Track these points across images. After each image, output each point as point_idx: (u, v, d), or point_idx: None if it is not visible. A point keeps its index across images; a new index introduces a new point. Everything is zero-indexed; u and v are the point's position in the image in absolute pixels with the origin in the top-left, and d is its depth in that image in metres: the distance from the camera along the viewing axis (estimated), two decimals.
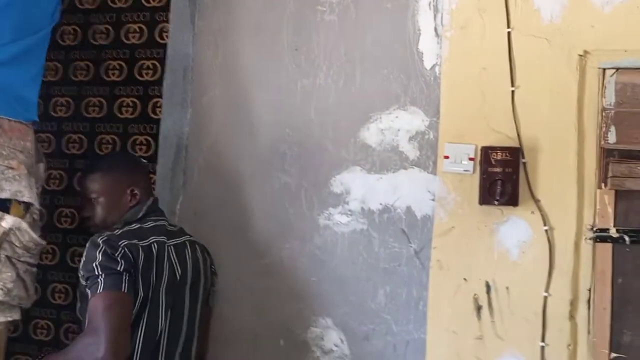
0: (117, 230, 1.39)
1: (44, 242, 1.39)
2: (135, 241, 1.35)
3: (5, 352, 1.43)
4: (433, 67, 1.54)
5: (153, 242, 1.39)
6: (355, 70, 1.60)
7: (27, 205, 1.33)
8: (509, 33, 1.45)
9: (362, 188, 1.58)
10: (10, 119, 1.34)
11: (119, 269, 1.29)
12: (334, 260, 1.58)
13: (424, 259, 1.51)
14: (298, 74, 1.65)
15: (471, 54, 1.49)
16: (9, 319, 1.31)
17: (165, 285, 1.38)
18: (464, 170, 1.47)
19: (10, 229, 1.29)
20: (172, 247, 1.43)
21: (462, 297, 1.46)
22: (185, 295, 1.43)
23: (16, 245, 1.30)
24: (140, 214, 1.47)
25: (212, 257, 1.60)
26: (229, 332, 1.64)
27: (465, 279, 1.46)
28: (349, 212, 1.58)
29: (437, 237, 1.49)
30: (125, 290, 1.29)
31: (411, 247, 1.53)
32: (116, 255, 1.30)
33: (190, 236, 1.54)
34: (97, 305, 1.25)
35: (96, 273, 1.28)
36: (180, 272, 1.42)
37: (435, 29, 1.54)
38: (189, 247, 1.49)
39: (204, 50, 1.75)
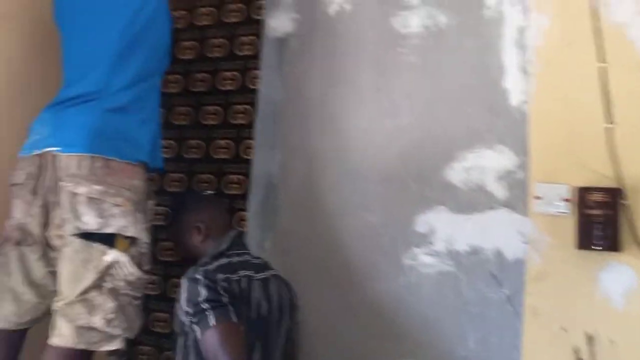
0: (208, 265, 1.43)
1: (146, 276, 1.45)
2: (228, 275, 1.39)
3: None
4: (520, 104, 1.48)
5: (242, 277, 1.42)
6: (438, 110, 1.59)
7: (133, 240, 1.42)
8: (601, 68, 1.36)
9: (447, 228, 1.54)
10: (120, 160, 1.44)
11: (224, 301, 1.32)
12: (419, 302, 1.55)
13: (516, 305, 1.43)
14: (380, 114, 1.66)
15: (560, 90, 1.41)
16: (110, 348, 1.37)
17: (255, 319, 1.40)
18: (558, 212, 1.38)
19: (114, 263, 1.37)
20: (259, 281, 1.46)
21: (561, 347, 1.36)
22: (273, 330, 1.45)
23: (118, 279, 1.38)
24: (223, 247, 1.50)
25: (294, 290, 1.58)
26: None
27: (563, 329, 1.36)
28: (435, 253, 1.55)
29: (531, 282, 1.41)
30: (236, 320, 1.30)
31: (502, 291, 1.46)
32: (218, 288, 1.33)
33: (275, 270, 1.56)
34: (213, 339, 1.27)
35: (203, 307, 1.30)
36: (267, 306, 1.44)
37: (521, 66, 1.48)
38: (274, 281, 1.50)
39: (292, 95, 1.83)
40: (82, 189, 1.38)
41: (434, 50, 1.61)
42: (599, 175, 1.35)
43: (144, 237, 1.45)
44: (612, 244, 1.31)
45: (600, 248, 1.32)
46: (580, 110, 1.39)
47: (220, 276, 1.37)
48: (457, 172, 1.54)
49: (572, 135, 1.39)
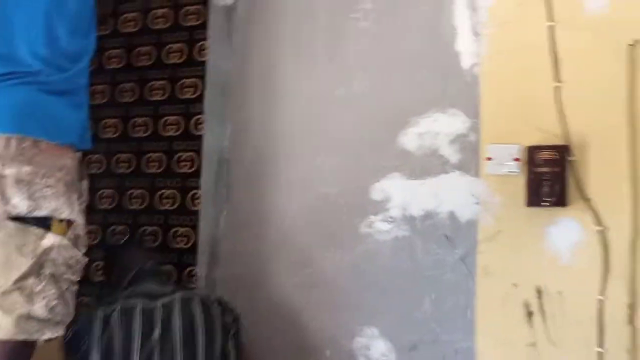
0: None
1: (86, 259, 1.41)
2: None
3: None
4: (472, 66, 1.50)
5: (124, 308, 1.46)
6: (390, 76, 1.59)
7: (69, 222, 1.36)
8: (550, 27, 1.39)
9: (402, 194, 1.55)
10: (49, 141, 1.37)
11: None
12: (376, 269, 1.56)
13: (470, 265, 1.47)
14: (333, 82, 1.65)
15: (511, 51, 1.44)
16: (55, 335, 1.32)
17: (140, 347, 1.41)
18: (509, 172, 1.42)
19: (52, 247, 1.31)
20: (150, 309, 1.46)
21: (512, 303, 1.40)
22: (174, 354, 1.42)
23: (59, 263, 1.32)
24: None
25: (231, 309, 1.53)
26: (276, 344, 1.64)
27: (514, 285, 1.41)
28: (391, 219, 1.56)
29: (483, 242, 1.45)
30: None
31: (456, 253, 1.49)
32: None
33: (190, 293, 1.55)
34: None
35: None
36: (159, 332, 1.43)
37: (473, 28, 1.50)
38: (180, 306, 1.47)
39: (241, 65, 1.79)
40: (9, 171, 1.30)
41: (386, 15, 1.60)
42: (548, 134, 1.39)
43: (79, 219, 1.39)
44: (560, 200, 1.36)
45: (549, 204, 1.36)
46: (530, 70, 1.42)
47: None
48: (411, 138, 1.55)
49: (522, 96, 1.42)
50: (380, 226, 1.57)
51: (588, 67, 1.38)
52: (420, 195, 1.53)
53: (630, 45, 1.34)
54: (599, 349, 1.31)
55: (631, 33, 1.35)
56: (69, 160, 1.39)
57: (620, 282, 1.32)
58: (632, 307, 1.31)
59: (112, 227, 1.96)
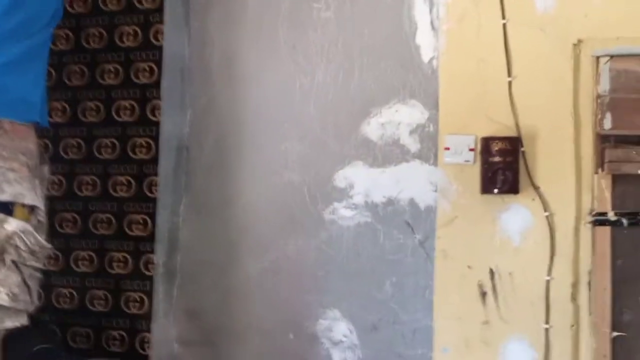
0: None
1: (49, 246, 1.39)
2: None
3: None
4: (431, 60, 1.56)
5: None
6: (353, 66, 1.62)
7: (32, 208, 1.32)
8: (504, 24, 1.48)
9: (365, 182, 1.60)
10: (12, 120, 1.32)
11: None
12: (340, 254, 1.61)
13: (429, 249, 1.55)
14: (296, 71, 1.66)
15: (467, 46, 1.51)
16: (17, 324, 1.30)
17: None
18: (465, 161, 1.50)
19: (15, 232, 1.28)
20: None
21: (467, 284, 1.50)
22: None
23: (21, 249, 1.29)
24: None
25: None
26: (239, 328, 1.67)
27: (469, 267, 1.50)
28: (353, 206, 1.61)
29: (441, 227, 1.53)
30: None
31: (416, 238, 1.56)
32: None
33: None
34: None
35: None
36: None
37: (432, 23, 1.56)
38: None
39: (200, 51, 1.76)
40: None
41: (348, 6, 1.63)
42: (501, 125, 1.48)
43: (42, 205, 1.35)
44: (512, 188, 1.46)
45: (502, 192, 1.46)
46: (485, 65, 1.50)
47: None
48: (373, 128, 1.60)
49: (478, 89, 1.50)
50: (343, 212, 1.61)
51: (538, 63, 1.48)
52: (382, 182, 1.59)
53: (575, 44, 1.45)
54: (546, 326, 1.44)
55: (576, 33, 1.45)
56: (32, 144, 1.34)
57: (565, 263, 1.44)
58: (575, 285, 1.44)
59: (59, 215, 1.89)
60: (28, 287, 1.31)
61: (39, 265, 1.35)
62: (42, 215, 1.36)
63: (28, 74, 1.38)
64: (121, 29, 1.87)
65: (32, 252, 1.32)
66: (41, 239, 1.34)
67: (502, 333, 1.47)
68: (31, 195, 1.32)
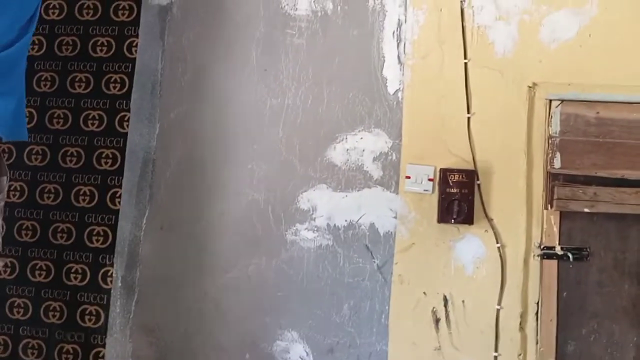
0: None
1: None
2: None
3: None
4: (396, 92, 1.62)
5: None
6: (322, 92, 1.67)
7: None
8: (465, 64, 1.56)
9: (328, 205, 1.64)
10: None
11: None
12: (300, 275, 1.63)
13: (386, 273, 1.59)
14: (267, 93, 1.70)
15: (431, 81, 1.59)
16: None
17: None
18: (424, 190, 1.56)
19: None
20: None
21: (422, 310, 1.54)
22: None
23: None
24: None
25: None
26: (195, 345, 1.66)
27: (424, 293, 1.55)
28: (315, 228, 1.64)
29: (399, 252, 1.57)
30: None
31: (374, 262, 1.60)
32: None
33: None
34: None
35: None
36: None
37: (399, 57, 1.63)
38: None
39: (173, 66, 1.78)
40: None
41: (320, 35, 1.68)
42: (459, 158, 1.55)
43: None
44: (467, 218, 1.52)
45: (457, 222, 1.52)
46: (447, 100, 1.57)
47: None
48: (339, 153, 1.65)
49: (439, 123, 1.57)
50: (305, 234, 1.64)
51: (495, 102, 1.56)
52: (344, 206, 1.63)
53: (530, 87, 1.54)
54: (495, 354, 1.49)
55: (531, 77, 1.55)
56: None
57: (514, 293, 1.51)
58: (523, 315, 1.51)
59: (19, 223, 1.86)
60: None
61: None
62: None
63: None
64: (95, 39, 1.87)
65: None
66: None
67: None
68: None
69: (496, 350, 1.49)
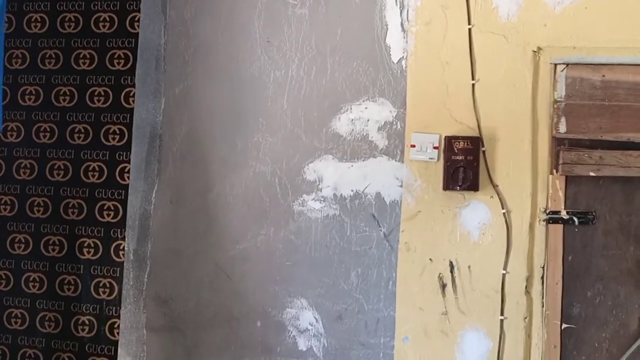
0: None
1: None
2: None
3: None
4: (400, 60, 1.62)
5: None
6: (325, 63, 1.66)
7: None
8: (469, 29, 1.54)
9: (334, 175, 1.65)
10: None
11: None
12: (308, 245, 1.66)
13: (392, 241, 1.61)
14: (270, 65, 1.70)
15: (435, 48, 1.57)
16: None
17: None
18: (429, 158, 1.56)
19: None
20: None
21: (428, 276, 1.57)
22: None
23: None
24: None
25: None
26: (208, 316, 1.70)
27: (430, 260, 1.57)
28: (322, 199, 1.66)
29: (405, 221, 1.59)
30: None
31: (381, 230, 1.62)
32: None
33: None
34: None
35: None
36: None
37: (402, 24, 1.61)
38: None
39: (176, 40, 1.77)
40: None
41: (322, 4, 1.67)
42: (464, 126, 1.55)
43: None
44: (472, 185, 1.53)
45: (462, 189, 1.53)
46: (451, 67, 1.56)
47: None
48: (343, 123, 1.65)
49: (443, 90, 1.56)
50: (312, 205, 1.66)
51: (500, 68, 1.55)
52: (350, 176, 1.64)
53: (534, 51, 1.53)
54: (501, 317, 1.52)
55: (536, 41, 1.53)
56: None
57: (520, 258, 1.52)
58: (529, 279, 1.52)
59: (31, 200, 1.89)
60: None
61: None
62: None
63: None
64: (97, 15, 1.87)
65: None
66: None
67: (460, 323, 1.54)
68: None
69: (502, 314, 1.52)
